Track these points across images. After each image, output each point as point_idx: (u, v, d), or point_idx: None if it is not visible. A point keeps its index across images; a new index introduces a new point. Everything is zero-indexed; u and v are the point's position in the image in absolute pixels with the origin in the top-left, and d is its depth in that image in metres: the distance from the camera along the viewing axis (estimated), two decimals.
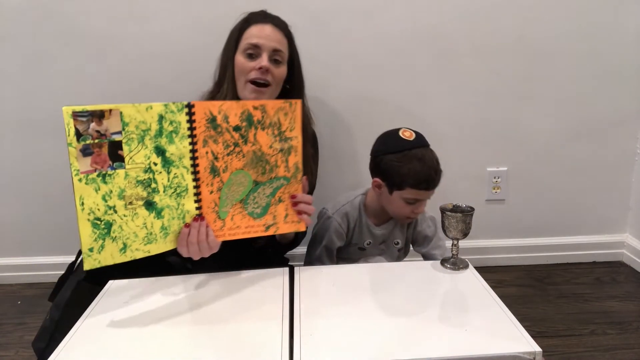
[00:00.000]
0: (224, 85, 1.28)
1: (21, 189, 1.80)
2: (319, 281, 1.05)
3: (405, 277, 1.07)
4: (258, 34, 1.25)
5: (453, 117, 1.82)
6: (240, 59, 1.25)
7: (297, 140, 1.02)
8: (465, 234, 1.08)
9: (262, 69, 1.22)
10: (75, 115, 0.83)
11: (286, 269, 1.08)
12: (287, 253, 1.52)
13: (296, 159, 1.03)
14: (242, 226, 1.02)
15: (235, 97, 1.27)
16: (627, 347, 1.46)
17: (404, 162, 1.24)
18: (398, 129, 1.29)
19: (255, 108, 0.98)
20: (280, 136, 1.01)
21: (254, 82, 1.24)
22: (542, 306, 1.68)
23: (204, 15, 1.67)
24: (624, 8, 1.77)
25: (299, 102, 1.02)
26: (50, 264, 1.83)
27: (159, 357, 0.80)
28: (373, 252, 1.39)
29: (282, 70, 1.28)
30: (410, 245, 1.48)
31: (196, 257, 1.00)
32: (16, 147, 1.77)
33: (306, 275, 1.06)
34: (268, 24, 1.27)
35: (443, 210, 1.08)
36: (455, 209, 1.09)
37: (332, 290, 1.01)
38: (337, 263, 1.40)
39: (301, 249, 1.61)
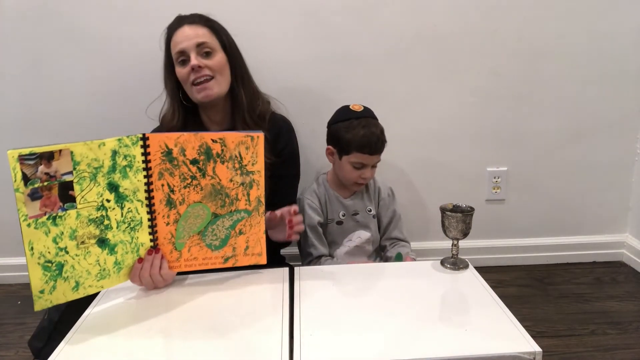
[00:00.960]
0: (168, 100, 1.35)
1: None
2: (319, 281, 1.04)
3: (405, 277, 1.07)
4: (178, 39, 1.28)
5: (453, 117, 1.82)
6: (178, 69, 1.29)
7: (259, 175, 1.00)
8: (465, 234, 1.08)
9: (194, 69, 1.25)
10: (22, 158, 0.79)
11: (286, 269, 1.08)
12: (286, 253, 1.52)
13: (258, 192, 1.01)
14: (199, 257, 1.01)
15: (177, 107, 1.33)
16: (627, 347, 1.46)
17: (350, 129, 1.40)
18: (350, 104, 1.47)
19: (214, 141, 0.96)
20: (242, 170, 0.99)
21: (196, 83, 1.27)
22: (542, 306, 1.68)
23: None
24: (624, 8, 1.76)
25: (261, 135, 0.99)
26: None
27: (159, 357, 0.80)
28: (351, 226, 1.49)
29: (217, 59, 1.29)
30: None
31: (150, 289, 1.00)
32: (16, 147, 1.76)
33: (306, 275, 1.06)
34: (183, 25, 1.29)
35: (443, 210, 1.08)
36: (455, 209, 1.08)
37: (332, 290, 1.01)
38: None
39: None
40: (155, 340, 0.84)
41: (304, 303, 0.94)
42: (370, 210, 1.50)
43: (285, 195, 1.35)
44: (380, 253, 1.55)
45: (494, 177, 1.90)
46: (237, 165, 0.98)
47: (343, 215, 1.47)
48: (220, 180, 0.98)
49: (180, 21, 1.31)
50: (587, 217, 1.97)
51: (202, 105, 1.33)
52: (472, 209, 1.08)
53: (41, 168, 0.82)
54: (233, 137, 0.97)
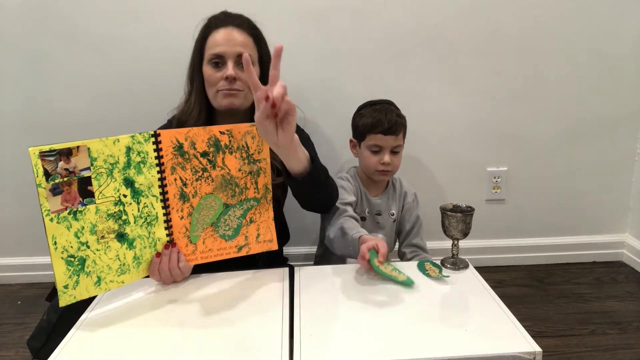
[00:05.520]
0: (191, 98, 1.25)
1: (21, 189, 1.80)
2: (319, 281, 1.04)
3: None
4: (220, 41, 1.20)
5: (453, 117, 1.82)
6: (206, 69, 1.22)
7: (265, 162, 1.03)
8: (465, 234, 1.07)
9: (229, 78, 1.19)
10: (43, 155, 0.82)
11: (286, 269, 1.08)
12: (289, 253, 1.51)
13: (265, 179, 1.04)
14: (214, 249, 1.03)
15: (204, 108, 1.24)
16: (627, 347, 1.46)
17: (365, 115, 1.41)
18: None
19: (222, 133, 0.98)
20: (249, 159, 1.02)
21: (223, 89, 1.20)
22: (542, 306, 1.68)
23: (204, 14, 1.67)
24: (624, 8, 1.76)
25: None
26: (50, 264, 1.82)
27: (159, 357, 0.80)
28: (371, 226, 1.47)
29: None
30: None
31: (168, 283, 1.02)
32: (16, 148, 1.77)
33: (306, 275, 1.06)
34: (229, 27, 1.21)
35: (443, 210, 1.08)
36: (455, 209, 1.08)
37: (332, 290, 1.01)
38: None
39: (301, 250, 1.61)
40: (154, 340, 0.84)
41: (304, 303, 0.94)
42: (392, 214, 1.49)
43: None
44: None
45: (494, 177, 1.90)
46: (244, 155, 1.01)
47: (368, 213, 1.47)
48: (229, 170, 1.00)
49: (226, 20, 1.23)
50: (587, 217, 1.97)
51: (221, 111, 1.25)
52: (472, 209, 1.08)
53: (61, 164, 0.84)
54: (239, 128, 1.00)
